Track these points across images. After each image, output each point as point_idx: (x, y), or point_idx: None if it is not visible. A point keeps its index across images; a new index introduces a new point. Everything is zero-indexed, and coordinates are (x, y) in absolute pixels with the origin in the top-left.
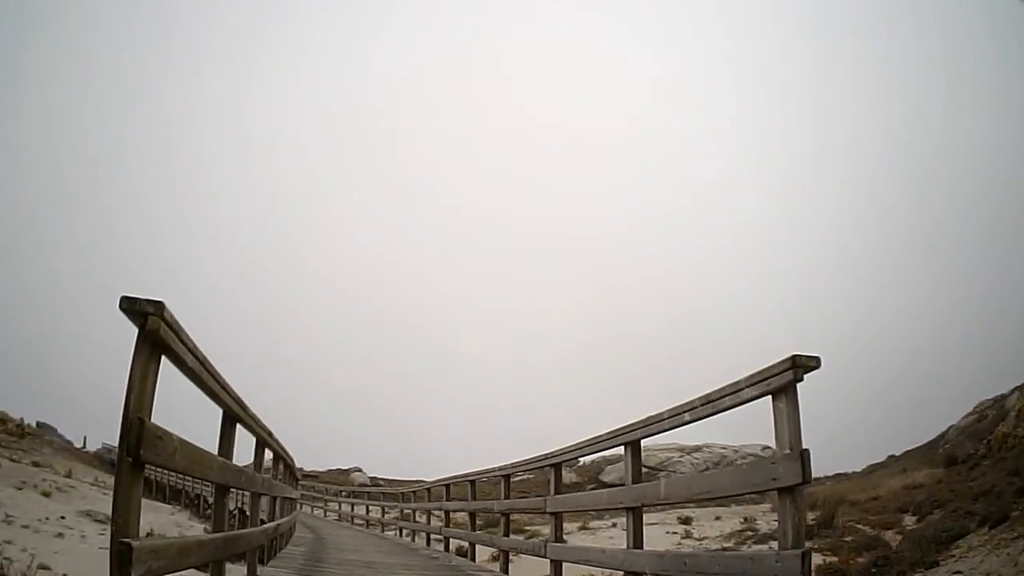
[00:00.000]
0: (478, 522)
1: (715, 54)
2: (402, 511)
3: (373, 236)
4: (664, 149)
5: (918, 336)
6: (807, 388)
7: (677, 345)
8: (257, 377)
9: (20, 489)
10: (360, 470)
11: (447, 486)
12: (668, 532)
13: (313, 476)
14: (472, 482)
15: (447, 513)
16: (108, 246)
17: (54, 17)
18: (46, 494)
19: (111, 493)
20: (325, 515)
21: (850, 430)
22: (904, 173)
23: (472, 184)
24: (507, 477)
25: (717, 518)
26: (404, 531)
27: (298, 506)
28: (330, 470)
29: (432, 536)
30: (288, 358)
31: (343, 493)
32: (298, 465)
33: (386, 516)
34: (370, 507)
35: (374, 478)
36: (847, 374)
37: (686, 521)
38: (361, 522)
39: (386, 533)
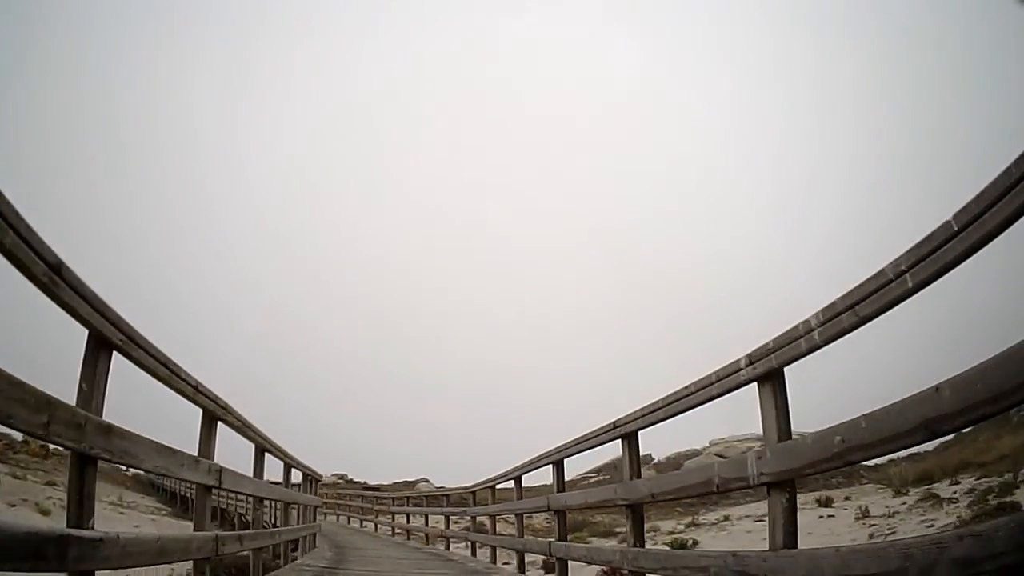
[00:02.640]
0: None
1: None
2: (474, 519)
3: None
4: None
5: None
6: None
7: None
8: (330, 411)
9: (14, 506)
10: (427, 480)
11: (557, 465)
12: (821, 517)
13: (375, 488)
14: (628, 435)
15: (561, 515)
16: (108, 249)
17: (51, 19)
18: (45, 512)
19: (131, 511)
20: (376, 529)
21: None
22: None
23: (511, 205)
24: None
25: (847, 498)
26: (479, 545)
27: (304, 514)
28: (395, 483)
29: (527, 553)
30: (329, 384)
31: (396, 502)
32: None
33: (451, 527)
34: (430, 517)
35: (441, 487)
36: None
37: (826, 503)
38: (420, 536)
39: (453, 550)
